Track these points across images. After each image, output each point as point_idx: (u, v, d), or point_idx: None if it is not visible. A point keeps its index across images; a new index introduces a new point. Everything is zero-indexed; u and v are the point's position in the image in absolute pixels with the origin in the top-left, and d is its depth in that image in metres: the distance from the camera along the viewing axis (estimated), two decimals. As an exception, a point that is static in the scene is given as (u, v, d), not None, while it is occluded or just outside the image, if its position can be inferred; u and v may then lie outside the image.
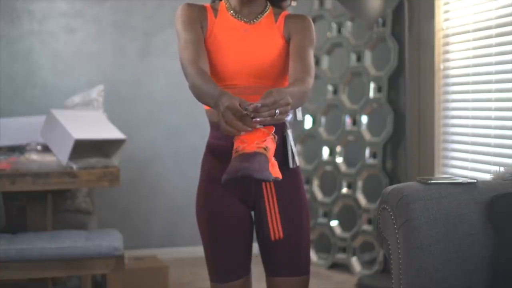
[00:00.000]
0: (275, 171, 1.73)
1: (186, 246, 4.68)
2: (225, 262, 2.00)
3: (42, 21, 4.47)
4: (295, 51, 1.95)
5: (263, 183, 1.98)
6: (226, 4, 2.01)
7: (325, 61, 4.52)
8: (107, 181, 2.92)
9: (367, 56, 4.27)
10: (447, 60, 3.64)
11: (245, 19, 1.99)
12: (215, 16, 1.99)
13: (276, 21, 2.01)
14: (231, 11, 1.99)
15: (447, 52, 3.65)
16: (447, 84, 3.65)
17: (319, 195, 4.50)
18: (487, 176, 2.17)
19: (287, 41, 1.99)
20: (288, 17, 2.03)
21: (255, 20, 1.99)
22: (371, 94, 4.24)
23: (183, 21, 1.96)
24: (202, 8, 2.00)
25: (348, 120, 4.36)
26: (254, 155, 1.67)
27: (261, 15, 2.00)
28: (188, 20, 1.96)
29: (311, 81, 1.88)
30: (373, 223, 4.18)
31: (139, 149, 4.60)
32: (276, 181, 1.74)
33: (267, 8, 2.02)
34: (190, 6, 1.99)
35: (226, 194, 1.99)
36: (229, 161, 1.93)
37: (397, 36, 4.11)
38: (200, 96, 1.82)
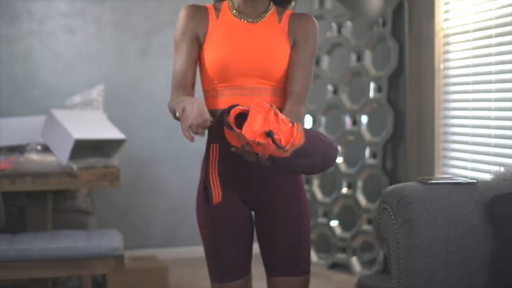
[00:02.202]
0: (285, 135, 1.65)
1: (186, 246, 4.68)
2: (225, 262, 2.00)
3: (42, 21, 4.47)
4: (299, 64, 1.96)
5: (263, 185, 1.99)
6: (229, 3, 1.99)
7: (325, 61, 4.52)
8: (107, 181, 2.92)
9: (367, 56, 4.27)
10: (447, 60, 3.64)
11: (248, 19, 1.98)
12: (217, 16, 1.98)
13: (280, 21, 1.99)
14: (234, 11, 1.98)
15: (447, 52, 3.65)
16: (447, 84, 3.65)
17: (319, 195, 4.50)
18: (487, 176, 2.17)
19: (291, 44, 1.98)
20: (292, 17, 2.00)
21: (258, 20, 1.98)
22: (371, 94, 4.24)
23: (178, 34, 1.99)
24: (203, 11, 1.99)
25: (348, 120, 4.36)
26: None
27: (264, 14, 1.99)
28: (183, 35, 1.97)
29: (304, 110, 1.95)
30: (373, 223, 4.18)
31: (139, 149, 4.60)
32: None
33: (270, 7, 2.01)
34: (189, 11, 1.98)
35: (227, 194, 1.99)
36: (230, 161, 1.93)
37: (397, 36, 4.11)
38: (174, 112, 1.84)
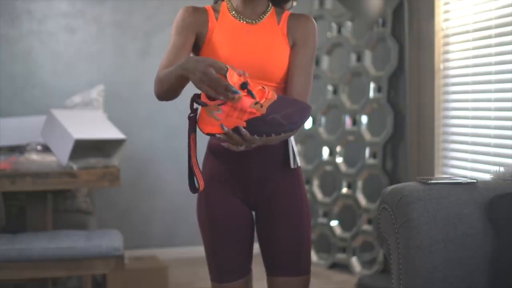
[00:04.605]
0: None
1: (186, 246, 4.68)
2: (226, 262, 2.00)
3: (42, 21, 4.47)
4: (299, 65, 1.95)
5: (263, 185, 1.99)
6: (227, 4, 1.99)
7: (325, 61, 4.52)
8: (107, 181, 2.92)
9: (367, 56, 4.27)
10: (447, 60, 3.64)
11: (247, 20, 1.97)
12: (217, 18, 1.97)
13: (279, 22, 1.98)
14: (233, 12, 1.97)
15: (447, 52, 3.65)
16: (447, 84, 3.65)
17: (319, 195, 4.50)
18: (487, 176, 2.17)
19: (291, 45, 1.97)
20: (291, 18, 2.00)
21: (257, 21, 1.97)
22: (371, 94, 4.24)
23: (176, 25, 1.97)
24: (202, 12, 1.98)
25: (348, 120, 4.37)
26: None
27: (263, 15, 1.98)
28: (182, 25, 1.95)
29: None
30: (373, 223, 4.18)
31: (139, 149, 4.60)
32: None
33: (269, 8, 2.00)
34: (188, 10, 1.97)
35: (227, 194, 1.99)
36: (230, 161, 1.96)
37: (397, 36, 4.11)
38: (164, 79, 1.82)
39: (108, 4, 4.57)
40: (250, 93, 1.69)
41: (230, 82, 1.66)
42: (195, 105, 1.76)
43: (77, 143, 2.88)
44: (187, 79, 1.73)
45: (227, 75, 1.66)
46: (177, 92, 1.85)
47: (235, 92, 1.65)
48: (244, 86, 1.68)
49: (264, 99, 1.70)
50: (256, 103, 1.69)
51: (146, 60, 4.64)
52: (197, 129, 1.78)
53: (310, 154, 4.59)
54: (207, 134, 1.76)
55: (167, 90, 1.84)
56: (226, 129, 1.69)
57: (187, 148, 1.82)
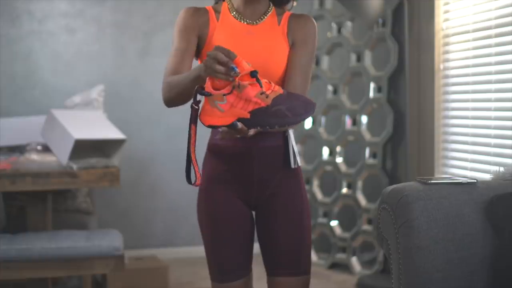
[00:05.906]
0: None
1: (186, 246, 4.68)
2: (226, 262, 2.01)
3: (42, 21, 4.47)
4: (297, 64, 1.95)
5: (264, 185, 1.99)
6: (228, 4, 1.99)
7: (325, 61, 4.52)
8: (107, 181, 2.93)
9: (367, 56, 4.27)
10: (447, 60, 3.64)
11: (247, 21, 1.97)
12: (217, 18, 1.97)
13: (279, 22, 1.98)
14: (234, 12, 1.97)
15: (447, 52, 3.65)
16: (447, 84, 3.65)
17: (319, 195, 4.50)
18: (487, 176, 2.17)
19: (290, 45, 1.97)
20: (291, 18, 2.00)
21: (258, 21, 1.97)
22: (371, 94, 4.24)
23: (178, 28, 1.97)
24: (203, 12, 1.98)
25: (348, 120, 4.37)
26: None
27: (264, 16, 1.98)
28: (184, 26, 1.95)
29: None
30: (373, 223, 4.18)
31: (139, 149, 4.60)
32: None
33: (270, 8, 2.00)
34: (189, 11, 1.98)
35: (227, 194, 1.99)
36: (230, 161, 1.96)
37: (397, 36, 4.11)
38: (175, 85, 1.83)
39: (108, 4, 4.57)
40: (258, 82, 1.68)
41: (240, 69, 1.66)
42: (199, 97, 1.75)
43: (77, 143, 2.88)
44: (203, 80, 1.73)
45: (236, 61, 1.66)
46: (188, 98, 1.85)
47: (233, 69, 1.64)
48: (253, 74, 1.68)
49: (270, 91, 1.70)
50: (262, 93, 1.69)
51: (146, 60, 4.64)
52: (198, 122, 1.77)
53: (310, 154, 4.59)
54: (208, 126, 1.75)
55: (178, 95, 1.84)
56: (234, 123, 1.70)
57: (187, 139, 1.81)
